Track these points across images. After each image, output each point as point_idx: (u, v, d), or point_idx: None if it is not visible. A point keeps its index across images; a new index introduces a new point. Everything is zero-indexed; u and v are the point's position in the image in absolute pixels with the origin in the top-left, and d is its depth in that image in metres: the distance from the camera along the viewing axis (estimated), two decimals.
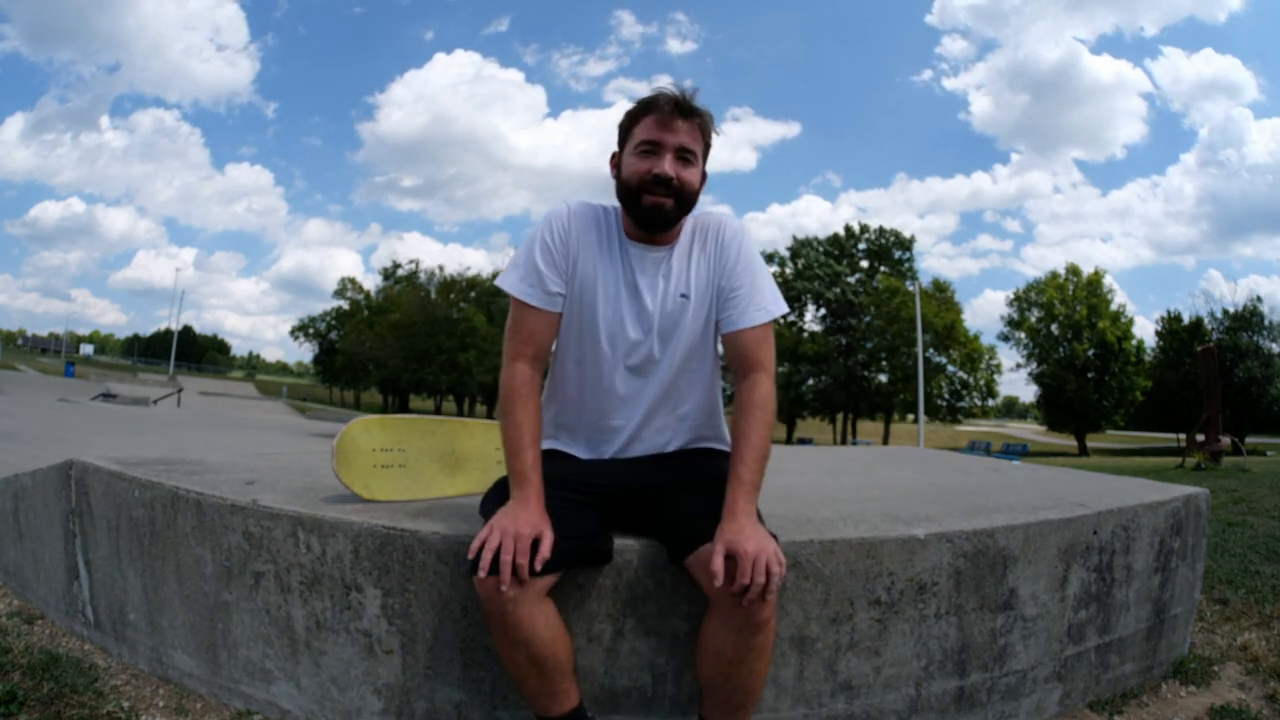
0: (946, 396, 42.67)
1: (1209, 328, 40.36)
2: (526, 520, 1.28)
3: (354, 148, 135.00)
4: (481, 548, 1.24)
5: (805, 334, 44.70)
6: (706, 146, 1.51)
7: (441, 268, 52.70)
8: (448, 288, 50.95)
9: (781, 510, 1.73)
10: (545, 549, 1.25)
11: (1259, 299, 39.82)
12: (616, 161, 1.52)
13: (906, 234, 46.44)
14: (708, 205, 1.61)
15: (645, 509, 1.46)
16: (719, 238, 1.54)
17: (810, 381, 43.68)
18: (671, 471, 1.50)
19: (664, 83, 1.53)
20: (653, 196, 1.44)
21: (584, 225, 1.52)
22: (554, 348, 1.54)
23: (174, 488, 1.73)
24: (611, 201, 1.55)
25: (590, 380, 1.52)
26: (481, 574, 1.23)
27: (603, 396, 1.52)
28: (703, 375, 1.56)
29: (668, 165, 1.44)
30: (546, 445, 1.52)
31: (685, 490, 1.44)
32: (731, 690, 1.31)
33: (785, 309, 1.54)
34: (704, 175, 1.53)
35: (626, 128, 1.50)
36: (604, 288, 1.50)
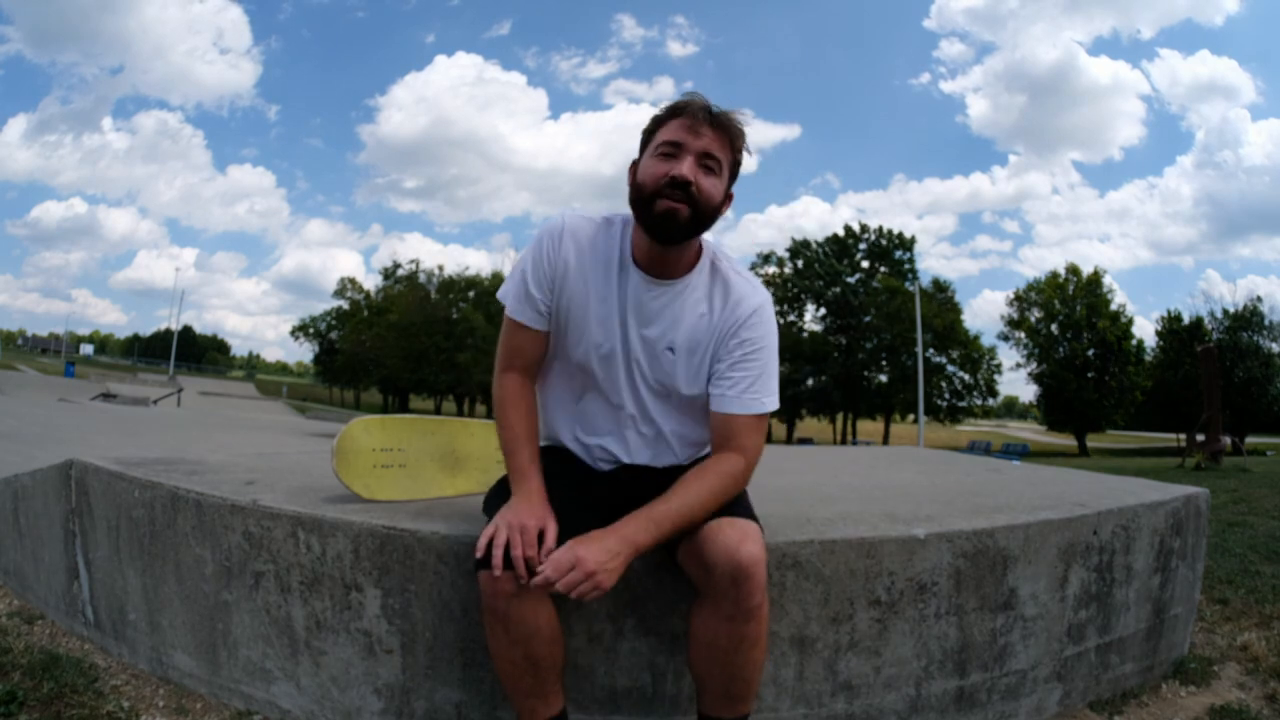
0: (947, 396, 42.68)
1: (1209, 328, 40.35)
2: (529, 513, 1.28)
3: (355, 149, 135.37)
4: (490, 545, 1.24)
5: (805, 334, 44.69)
6: (735, 164, 1.41)
7: (441, 268, 52.85)
8: (447, 288, 50.98)
9: (781, 510, 1.73)
10: (550, 540, 1.25)
11: (1259, 299, 39.88)
12: (634, 168, 1.42)
13: (906, 235, 46.52)
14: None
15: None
16: (737, 315, 1.42)
17: (810, 381, 43.69)
18: (669, 480, 1.42)
19: (687, 88, 1.42)
20: (667, 201, 1.33)
21: (578, 243, 1.44)
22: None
23: (174, 488, 1.73)
24: (618, 208, 1.50)
25: (571, 398, 1.51)
26: (496, 571, 1.22)
27: (582, 415, 1.51)
28: (689, 407, 1.48)
29: (687, 168, 1.33)
30: (545, 444, 1.52)
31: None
32: (729, 680, 1.29)
33: (777, 405, 1.43)
34: (729, 196, 1.42)
35: (650, 132, 1.41)
36: (592, 312, 1.43)
